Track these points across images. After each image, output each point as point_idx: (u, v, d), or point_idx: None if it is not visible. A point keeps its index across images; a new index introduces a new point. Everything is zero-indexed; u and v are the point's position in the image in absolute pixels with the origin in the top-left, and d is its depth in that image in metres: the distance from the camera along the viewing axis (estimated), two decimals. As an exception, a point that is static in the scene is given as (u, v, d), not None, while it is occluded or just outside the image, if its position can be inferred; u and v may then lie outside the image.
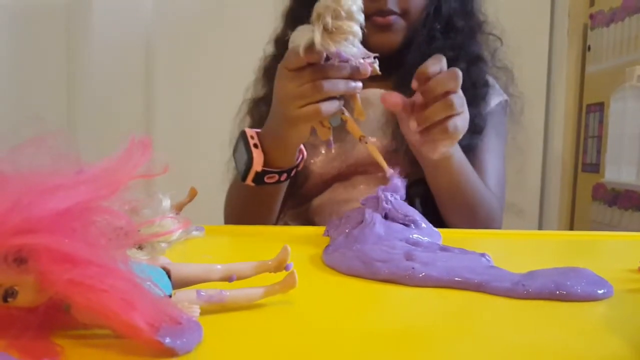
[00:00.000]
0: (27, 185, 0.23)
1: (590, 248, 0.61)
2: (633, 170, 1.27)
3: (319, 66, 0.61)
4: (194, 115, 1.62)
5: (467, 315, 0.35)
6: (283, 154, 0.70)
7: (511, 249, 0.59)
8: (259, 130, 0.73)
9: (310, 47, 0.59)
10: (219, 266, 0.34)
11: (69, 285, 0.23)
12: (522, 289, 0.38)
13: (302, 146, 0.73)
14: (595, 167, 1.50)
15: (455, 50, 0.87)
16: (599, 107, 1.50)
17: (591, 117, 1.55)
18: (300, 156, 0.74)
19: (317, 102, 0.61)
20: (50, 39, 1.59)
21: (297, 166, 0.73)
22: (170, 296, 0.31)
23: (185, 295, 0.31)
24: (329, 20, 0.56)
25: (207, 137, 1.57)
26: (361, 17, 0.59)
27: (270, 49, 0.97)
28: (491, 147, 0.91)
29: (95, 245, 0.25)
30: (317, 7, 0.58)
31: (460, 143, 0.85)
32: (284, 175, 0.72)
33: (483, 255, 0.46)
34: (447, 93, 0.61)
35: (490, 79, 0.93)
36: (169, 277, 0.31)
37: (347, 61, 0.61)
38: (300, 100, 0.62)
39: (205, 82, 1.61)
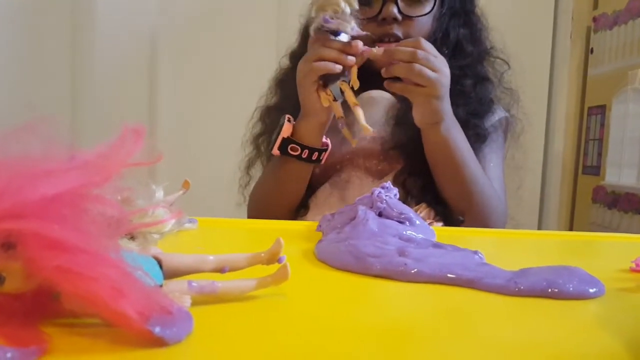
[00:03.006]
0: (17, 169, 0.23)
1: (584, 248, 0.61)
2: (634, 173, 1.27)
3: (320, 39, 0.76)
4: (197, 110, 1.62)
5: (458, 312, 0.35)
6: (307, 129, 0.82)
7: (505, 247, 0.59)
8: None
9: (317, 28, 0.75)
10: (211, 257, 0.34)
11: (58, 272, 0.23)
12: (514, 286, 0.38)
13: (328, 141, 0.85)
14: (595, 170, 1.50)
15: (463, 70, 0.91)
16: (601, 110, 1.50)
17: (593, 119, 1.55)
18: (326, 147, 0.85)
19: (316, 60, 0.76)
20: (55, 33, 1.59)
21: (320, 152, 0.84)
22: (161, 286, 0.31)
23: (176, 285, 0.31)
24: None
25: (210, 132, 1.58)
26: (354, 2, 0.72)
27: (285, 61, 1.03)
28: (493, 158, 0.95)
29: (86, 232, 0.25)
30: None
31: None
32: (306, 152, 0.83)
33: (476, 252, 0.46)
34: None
35: (491, 88, 0.97)
36: (161, 266, 0.31)
37: (336, 32, 0.75)
38: (303, 64, 0.78)
39: (208, 76, 1.62)
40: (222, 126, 1.41)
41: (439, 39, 0.92)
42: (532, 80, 1.52)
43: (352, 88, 0.76)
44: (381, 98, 0.93)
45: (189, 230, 0.58)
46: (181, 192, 0.56)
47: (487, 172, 0.91)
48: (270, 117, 1.00)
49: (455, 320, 0.33)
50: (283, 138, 0.82)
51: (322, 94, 0.77)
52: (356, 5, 0.72)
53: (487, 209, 0.86)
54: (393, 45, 0.80)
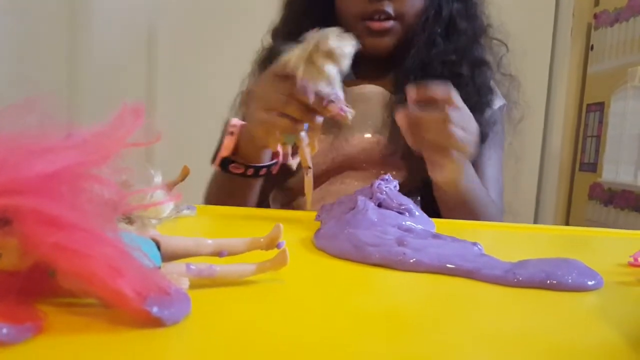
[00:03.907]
0: (14, 146, 0.23)
1: (582, 242, 0.61)
2: (631, 170, 1.27)
3: (294, 83, 0.59)
4: (195, 92, 1.62)
5: (456, 301, 0.35)
6: (250, 149, 0.70)
7: (504, 240, 0.59)
8: (245, 123, 0.72)
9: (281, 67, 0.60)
10: (209, 241, 0.34)
11: (54, 249, 0.23)
12: (513, 277, 0.38)
13: (279, 150, 0.71)
14: (592, 167, 1.50)
15: (458, 54, 0.85)
16: (599, 107, 1.50)
17: (591, 116, 1.55)
18: (275, 160, 0.73)
19: (278, 114, 0.61)
20: (54, 12, 1.58)
21: (268, 167, 0.72)
22: (159, 268, 0.30)
23: (174, 267, 0.31)
24: (310, 48, 0.56)
25: (208, 116, 1.57)
26: (344, 62, 0.57)
27: (268, 39, 0.96)
28: (492, 155, 0.90)
29: (84, 210, 0.24)
30: (311, 33, 0.57)
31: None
32: (251, 170, 0.71)
33: (475, 244, 0.46)
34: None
35: (492, 83, 0.90)
36: (159, 248, 0.31)
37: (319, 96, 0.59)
38: (262, 103, 0.62)
39: (208, 59, 1.61)
40: (220, 107, 1.40)
41: (432, 17, 0.85)
42: (531, 77, 1.52)
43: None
44: (374, 94, 0.86)
45: (187, 216, 0.58)
46: (180, 178, 0.56)
47: (487, 175, 0.87)
48: None
49: (453, 309, 0.33)
50: (223, 158, 0.70)
51: (274, 139, 0.63)
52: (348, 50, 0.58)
53: (483, 219, 0.81)
54: (411, 93, 0.65)
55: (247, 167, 0.70)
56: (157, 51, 1.62)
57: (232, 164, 0.70)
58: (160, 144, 0.31)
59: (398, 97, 0.83)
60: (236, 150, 0.70)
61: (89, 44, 1.60)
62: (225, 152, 0.69)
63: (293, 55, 0.57)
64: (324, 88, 0.57)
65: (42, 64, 1.57)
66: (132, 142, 0.27)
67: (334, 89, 0.58)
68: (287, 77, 0.59)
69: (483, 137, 0.84)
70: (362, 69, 0.78)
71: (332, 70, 0.57)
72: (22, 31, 1.57)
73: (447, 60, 0.82)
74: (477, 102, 0.85)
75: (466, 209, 0.78)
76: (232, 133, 0.70)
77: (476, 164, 0.85)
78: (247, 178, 0.72)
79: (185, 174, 0.56)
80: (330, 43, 0.55)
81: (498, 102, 0.91)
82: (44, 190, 0.23)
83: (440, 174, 0.70)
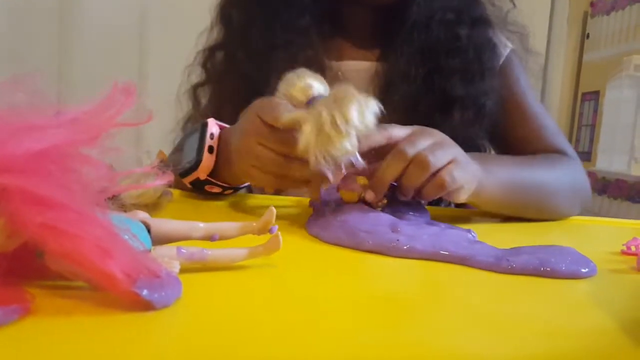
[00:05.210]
0: (2, 122, 0.22)
1: (576, 231, 0.61)
2: (625, 160, 1.28)
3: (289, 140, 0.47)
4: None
5: (449, 287, 0.35)
6: (230, 175, 0.58)
7: (497, 228, 0.59)
8: (226, 126, 0.60)
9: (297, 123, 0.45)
10: (201, 224, 0.33)
11: (42, 229, 0.22)
12: (506, 264, 0.38)
13: None
14: (587, 156, 1.50)
15: (456, 12, 0.74)
16: (594, 96, 1.50)
17: (586, 105, 1.55)
18: None
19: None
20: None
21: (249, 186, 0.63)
22: (150, 251, 0.30)
23: (165, 250, 0.31)
24: (323, 118, 0.42)
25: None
26: (361, 125, 0.43)
27: None
28: (530, 99, 0.78)
29: (73, 190, 0.24)
30: (336, 91, 0.44)
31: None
32: (229, 191, 0.62)
33: (469, 231, 0.45)
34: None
35: (490, 32, 0.77)
36: (149, 231, 0.31)
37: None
38: (254, 162, 0.50)
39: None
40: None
41: None
42: (527, 65, 1.51)
43: None
44: (356, 71, 0.74)
45: (171, 201, 0.57)
46: (157, 161, 0.53)
47: (540, 119, 0.77)
48: (212, 61, 0.79)
49: (446, 295, 0.33)
50: (198, 179, 0.59)
51: (270, 188, 0.53)
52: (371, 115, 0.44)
53: (579, 200, 0.69)
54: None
55: (227, 188, 0.61)
56: (149, 29, 1.61)
57: (208, 185, 0.60)
58: (150, 124, 0.30)
59: (389, 67, 0.73)
60: (213, 167, 0.58)
61: (80, 21, 1.58)
62: (203, 174, 0.58)
63: (304, 133, 0.44)
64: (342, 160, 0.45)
65: (32, 41, 1.55)
66: (122, 122, 0.26)
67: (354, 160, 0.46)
68: (278, 130, 0.48)
69: (488, 110, 0.73)
70: (351, 32, 0.71)
71: (345, 145, 0.43)
72: (12, 8, 1.55)
73: (445, 20, 0.72)
74: (479, 68, 0.73)
75: (534, 210, 0.63)
76: (210, 149, 0.58)
77: (521, 115, 0.76)
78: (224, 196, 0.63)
79: (161, 159, 0.54)
80: (351, 111, 0.42)
81: (505, 50, 0.79)
82: (32, 169, 0.22)
83: (461, 198, 0.52)
